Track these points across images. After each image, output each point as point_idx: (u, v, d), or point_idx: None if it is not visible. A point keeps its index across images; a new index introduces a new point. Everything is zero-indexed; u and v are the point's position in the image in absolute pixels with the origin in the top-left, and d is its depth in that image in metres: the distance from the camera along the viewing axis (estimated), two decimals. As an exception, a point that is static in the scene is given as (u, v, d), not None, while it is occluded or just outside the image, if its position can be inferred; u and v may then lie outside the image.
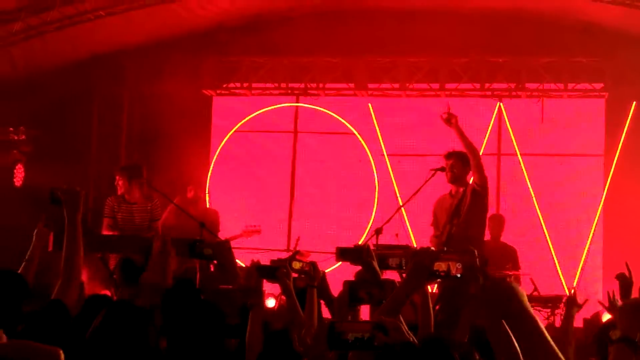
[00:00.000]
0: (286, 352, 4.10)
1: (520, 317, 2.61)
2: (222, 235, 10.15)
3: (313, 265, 5.28)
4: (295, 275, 5.28)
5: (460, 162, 8.86)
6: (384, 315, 3.62)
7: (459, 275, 3.73)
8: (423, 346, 2.91)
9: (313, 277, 5.14)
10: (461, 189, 8.74)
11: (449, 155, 8.94)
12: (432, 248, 4.11)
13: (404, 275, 5.43)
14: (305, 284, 5.18)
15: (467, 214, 8.57)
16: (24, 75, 11.27)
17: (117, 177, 9.43)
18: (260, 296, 4.84)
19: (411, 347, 2.99)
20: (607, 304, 5.06)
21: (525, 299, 2.67)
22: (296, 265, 5.25)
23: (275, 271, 4.96)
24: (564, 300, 5.48)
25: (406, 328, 3.25)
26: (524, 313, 2.61)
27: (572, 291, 5.48)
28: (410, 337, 3.13)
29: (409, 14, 11.34)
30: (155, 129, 11.98)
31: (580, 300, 5.39)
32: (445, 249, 8.20)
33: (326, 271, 5.87)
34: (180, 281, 5.06)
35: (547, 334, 2.59)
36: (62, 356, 2.72)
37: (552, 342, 2.57)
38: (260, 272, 4.95)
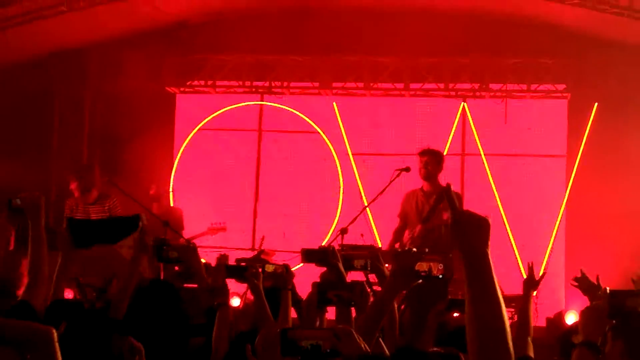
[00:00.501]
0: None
1: (481, 255, 2.52)
2: (187, 233, 10.08)
3: (286, 267, 5.24)
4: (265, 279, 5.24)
5: (435, 160, 8.98)
6: (369, 319, 3.60)
7: (440, 276, 3.73)
8: (393, 357, 2.87)
9: (286, 279, 5.11)
10: (433, 190, 8.83)
11: (424, 153, 9.04)
12: (414, 249, 4.10)
13: (369, 276, 5.44)
14: (272, 284, 5.14)
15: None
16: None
17: (70, 180, 9.40)
18: (227, 295, 4.81)
19: (368, 358, 2.94)
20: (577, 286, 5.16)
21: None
22: (269, 268, 5.21)
23: (244, 271, 4.93)
24: (522, 282, 5.47)
25: (358, 336, 3.20)
26: (484, 255, 2.52)
27: (530, 267, 5.51)
28: (362, 345, 3.08)
29: (374, 14, 11.35)
30: (118, 127, 11.86)
31: (536, 276, 5.43)
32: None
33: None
34: (156, 281, 5.03)
35: (498, 289, 2.47)
36: (55, 336, 2.68)
37: (501, 299, 2.46)
38: (229, 271, 4.91)
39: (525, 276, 5.52)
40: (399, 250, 4.03)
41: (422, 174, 9.04)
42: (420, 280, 3.77)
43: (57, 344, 2.71)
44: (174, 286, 4.85)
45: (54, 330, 2.72)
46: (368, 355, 2.92)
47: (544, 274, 5.67)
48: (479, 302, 2.46)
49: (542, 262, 11.30)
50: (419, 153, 9.14)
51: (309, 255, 5.34)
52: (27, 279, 4.29)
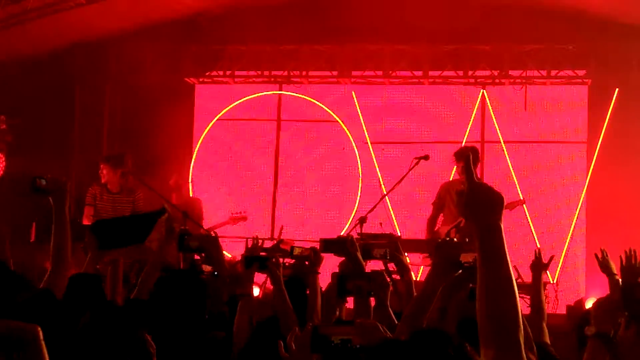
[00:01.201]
0: (274, 342, 4.09)
1: (495, 228, 2.44)
2: (207, 223, 10.12)
3: (314, 250, 5.24)
4: (292, 261, 5.24)
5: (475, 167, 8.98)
6: (413, 313, 3.60)
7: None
8: (413, 339, 2.86)
9: (314, 262, 5.11)
10: None
11: (459, 157, 9.01)
12: (455, 239, 4.08)
13: (389, 265, 5.44)
14: (292, 273, 5.15)
15: None
16: (4, 64, 11.16)
17: (102, 166, 9.37)
18: (250, 286, 4.81)
19: (394, 343, 2.94)
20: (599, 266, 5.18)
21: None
22: (296, 250, 5.22)
23: (265, 261, 4.92)
24: (529, 266, 5.45)
25: (384, 328, 3.21)
26: (498, 228, 2.44)
27: (537, 252, 5.49)
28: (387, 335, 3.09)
29: (392, 1, 11.31)
30: (137, 118, 11.91)
31: (544, 259, 5.42)
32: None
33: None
34: (182, 271, 5.05)
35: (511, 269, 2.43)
36: (41, 333, 2.68)
37: (513, 276, 2.42)
38: (249, 262, 4.92)
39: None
40: (441, 240, 4.00)
41: (462, 176, 9.08)
42: (460, 271, 3.77)
43: (42, 342, 2.70)
44: (200, 276, 4.86)
45: (39, 328, 2.72)
46: (389, 340, 2.92)
47: (551, 257, 5.66)
48: (490, 277, 2.42)
49: (563, 249, 11.26)
50: (454, 156, 9.14)
51: (328, 245, 5.34)
52: (50, 267, 4.30)
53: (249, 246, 5.37)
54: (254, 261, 4.93)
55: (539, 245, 11.24)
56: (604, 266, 5.40)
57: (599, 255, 5.49)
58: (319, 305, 4.90)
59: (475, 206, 2.48)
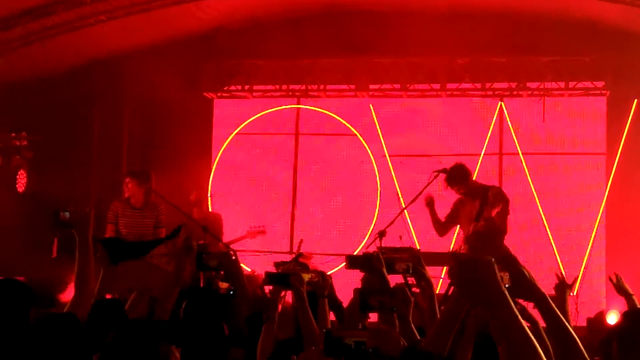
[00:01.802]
0: None
1: (496, 299, 2.35)
2: (226, 237, 10.15)
3: (322, 275, 5.24)
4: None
5: (460, 183, 8.98)
6: (439, 330, 3.59)
7: (507, 285, 3.70)
8: (402, 357, 2.87)
9: (323, 287, 5.11)
10: (475, 193, 8.87)
11: (448, 184, 9.02)
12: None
13: (409, 279, 5.43)
14: (311, 288, 5.16)
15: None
16: (25, 80, 11.27)
17: (127, 180, 9.39)
18: (276, 309, 4.79)
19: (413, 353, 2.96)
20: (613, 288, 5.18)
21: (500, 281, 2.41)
22: (305, 277, 5.22)
23: (287, 278, 4.92)
24: (553, 287, 5.42)
25: (398, 334, 3.23)
26: (500, 296, 2.35)
27: (560, 274, 5.49)
28: (402, 343, 3.10)
29: (409, 14, 11.33)
30: (156, 133, 11.99)
31: (568, 280, 5.40)
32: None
33: (329, 273, 5.86)
34: (200, 289, 5.06)
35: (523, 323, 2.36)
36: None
37: (530, 335, 2.35)
38: (273, 279, 4.91)
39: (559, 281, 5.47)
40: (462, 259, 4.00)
41: (464, 196, 9.10)
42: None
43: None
44: (218, 294, 4.88)
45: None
46: (413, 350, 2.93)
47: (575, 278, 5.67)
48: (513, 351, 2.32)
49: (582, 262, 11.21)
50: (446, 187, 9.17)
51: (353, 261, 5.33)
52: (72, 288, 4.36)
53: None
54: (277, 279, 4.93)
55: (559, 258, 11.21)
56: (619, 288, 5.41)
57: (613, 279, 5.50)
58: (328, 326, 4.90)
59: (470, 288, 2.37)
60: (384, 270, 4.95)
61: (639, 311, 3.92)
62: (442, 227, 9.20)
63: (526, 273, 3.06)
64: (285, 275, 4.97)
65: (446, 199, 9.37)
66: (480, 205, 8.84)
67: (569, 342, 2.88)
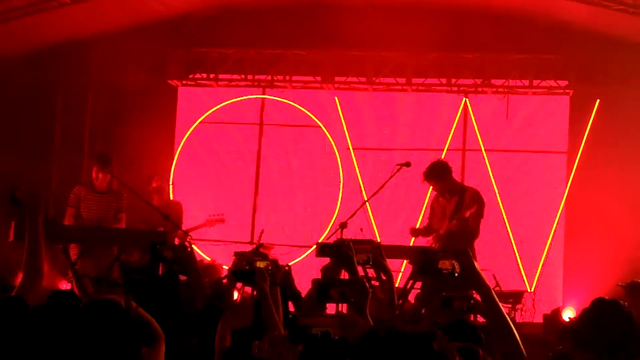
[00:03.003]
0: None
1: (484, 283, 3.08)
2: (186, 226, 10.11)
3: (275, 263, 5.25)
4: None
5: (439, 180, 9.00)
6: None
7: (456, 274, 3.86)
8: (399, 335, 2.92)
9: (275, 275, 5.11)
10: (452, 191, 8.93)
11: (426, 179, 9.04)
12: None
13: (368, 269, 5.45)
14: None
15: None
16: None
17: (95, 166, 9.32)
18: (231, 298, 4.79)
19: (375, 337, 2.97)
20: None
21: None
22: (261, 264, 5.21)
23: (252, 275, 4.91)
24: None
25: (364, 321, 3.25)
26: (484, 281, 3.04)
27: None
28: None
29: (377, 8, 11.34)
30: (119, 119, 11.88)
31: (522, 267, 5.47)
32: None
33: (290, 264, 5.86)
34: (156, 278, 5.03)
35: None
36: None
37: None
38: (237, 275, 4.90)
39: (523, 274, 5.53)
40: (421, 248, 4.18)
41: (438, 193, 9.13)
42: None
43: None
44: (174, 283, 4.86)
45: None
46: (375, 332, 2.94)
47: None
48: None
49: (541, 259, 11.32)
50: (423, 180, 9.17)
51: (325, 249, 5.32)
52: (23, 276, 4.31)
53: (236, 259, 5.35)
54: (241, 276, 4.91)
55: (517, 254, 11.32)
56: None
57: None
58: (281, 317, 4.90)
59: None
60: (354, 259, 4.96)
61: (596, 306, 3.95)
62: (435, 229, 9.20)
63: (476, 265, 3.37)
64: (250, 272, 4.96)
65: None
66: (456, 204, 8.90)
67: (507, 332, 3.22)
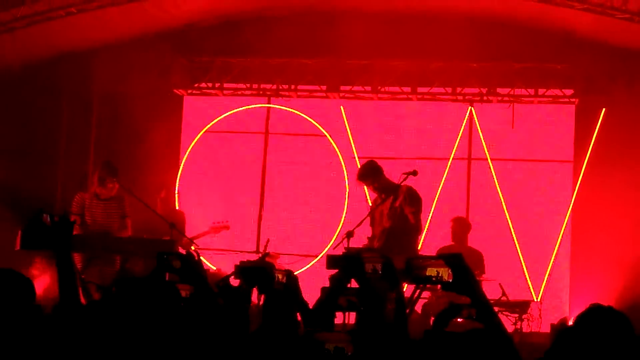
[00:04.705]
0: None
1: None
2: (189, 234, 10.10)
3: (289, 273, 5.22)
4: None
5: (371, 177, 9.12)
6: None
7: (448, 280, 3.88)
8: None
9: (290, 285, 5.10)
10: (386, 190, 9.01)
11: (360, 180, 9.19)
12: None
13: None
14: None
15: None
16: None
17: (97, 172, 9.34)
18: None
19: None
20: None
21: None
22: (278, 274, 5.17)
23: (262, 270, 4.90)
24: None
25: None
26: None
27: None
28: None
29: (382, 17, 11.35)
30: (125, 128, 11.88)
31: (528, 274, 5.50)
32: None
33: (296, 273, 5.85)
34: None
35: None
36: None
37: None
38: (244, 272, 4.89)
39: (529, 284, 5.51)
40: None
41: (376, 194, 9.21)
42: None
43: None
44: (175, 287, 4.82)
45: None
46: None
47: None
48: None
49: (547, 269, 11.29)
50: (356, 180, 9.37)
51: (334, 261, 5.28)
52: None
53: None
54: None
55: (524, 264, 11.28)
56: None
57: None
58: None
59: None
60: (364, 269, 4.93)
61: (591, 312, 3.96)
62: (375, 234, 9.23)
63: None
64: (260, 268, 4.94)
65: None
66: (391, 203, 8.94)
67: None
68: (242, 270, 4.97)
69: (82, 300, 6.67)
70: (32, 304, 3.78)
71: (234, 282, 5.13)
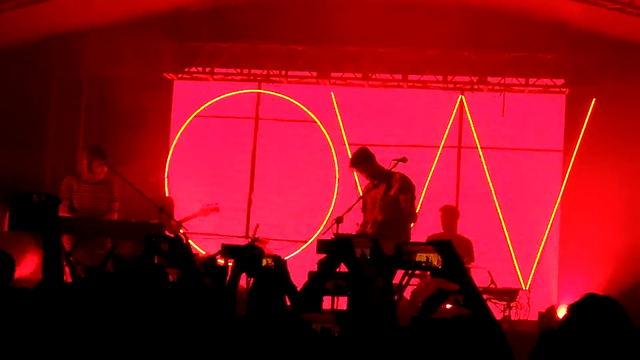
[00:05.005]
0: None
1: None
2: (179, 216, 10.08)
3: (277, 258, 5.20)
4: None
5: (364, 165, 9.12)
6: None
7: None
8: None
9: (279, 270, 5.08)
10: (379, 177, 9.01)
11: (353, 167, 9.21)
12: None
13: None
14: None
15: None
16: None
17: (85, 156, 9.29)
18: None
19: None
20: None
21: None
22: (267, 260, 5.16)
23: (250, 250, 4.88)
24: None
25: None
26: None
27: None
28: None
29: (373, 5, 11.32)
30: (114, 112, 11.82)
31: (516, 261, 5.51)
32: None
33: (285, 258, 5.83)
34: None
35: None
36: None
37: None
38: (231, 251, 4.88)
39: (518, 272, 5.51)
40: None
41: (368, 180, 9.21)
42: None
43: None
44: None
45: None
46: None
47: None
48: None
49: (536, 257, 11.32)
50: (350, 167, 9.38)
51: (324, 246, 5.27)
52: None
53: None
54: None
55: (512, 252, 11.31)
56: None
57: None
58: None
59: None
60: (355, 256, 4.91)
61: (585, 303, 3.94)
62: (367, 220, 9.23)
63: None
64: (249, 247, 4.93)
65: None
66: (384, 190, 8.95)
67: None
68: (229, 250, 4.95)
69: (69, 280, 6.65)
70: (8, 282, 3.78)
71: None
